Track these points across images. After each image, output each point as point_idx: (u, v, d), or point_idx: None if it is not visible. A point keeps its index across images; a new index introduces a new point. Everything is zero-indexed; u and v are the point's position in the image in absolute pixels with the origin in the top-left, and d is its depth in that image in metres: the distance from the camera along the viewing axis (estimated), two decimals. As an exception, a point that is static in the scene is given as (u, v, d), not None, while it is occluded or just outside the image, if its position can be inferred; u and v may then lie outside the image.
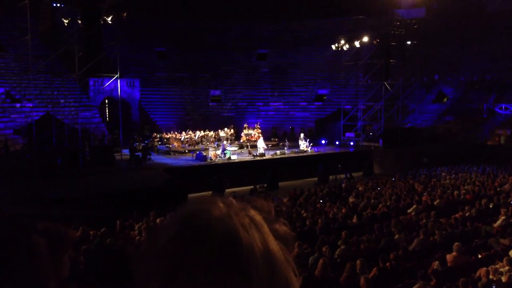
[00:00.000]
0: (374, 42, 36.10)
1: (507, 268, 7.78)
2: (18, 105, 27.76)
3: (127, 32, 37.95)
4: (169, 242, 0.74)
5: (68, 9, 35.71)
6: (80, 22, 32.61)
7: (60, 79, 30.81)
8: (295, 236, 0.85)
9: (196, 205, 0.78)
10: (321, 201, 16.96)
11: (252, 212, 0.79)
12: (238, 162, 24.84)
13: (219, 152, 25.15)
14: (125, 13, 32.30)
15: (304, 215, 14.19)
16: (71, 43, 29.09)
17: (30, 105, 27.49)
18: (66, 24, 35.08)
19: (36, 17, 32.72)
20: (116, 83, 28.11)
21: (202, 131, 30.94)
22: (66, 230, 1.29)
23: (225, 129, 31.32)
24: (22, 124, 25.96)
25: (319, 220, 12.70)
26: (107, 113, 35.32)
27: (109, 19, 31.40)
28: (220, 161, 24.41)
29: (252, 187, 21.93)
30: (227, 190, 20.99)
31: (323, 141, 31.43)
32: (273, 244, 0.76)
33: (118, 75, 27.37)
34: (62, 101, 29.39)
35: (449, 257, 8.89)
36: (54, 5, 36.26)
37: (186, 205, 0.79)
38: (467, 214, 12.74)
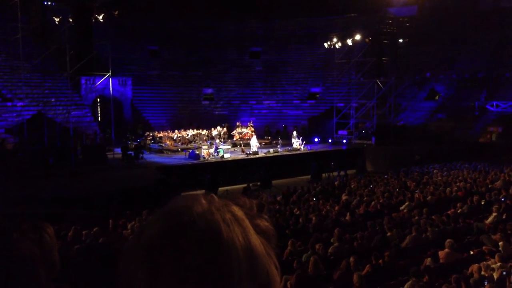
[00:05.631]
0: (367, 40, 36.22)
1: (498, 264, 7.83)
2: (9, 104, 27.56)
3: (119, 30, 37.79)
4: (152, 238, 0.76)
5: (59, 7, 35.53)
6: (71, 20, 32.43)
7: (51, 77, 30.62)
8: (276, 231, 0.87)
9: (179, 202, 0.80)
10: (314, 198, 16.99)
11: (234, 208, 0.81)
12: (231, 161, 24.83)
13: (212, 150, 25.11)
14: (117, 11, 32.22)
15: (297, 212, 14.21)
16: (63, 41, 28.87)
17: (22, 104, 27.30)
18: (57, 23, 34.89)
19: (27, 16, 32.46)
20: (108, 82, 28.00)
21: (195, 130, 30.90)
22: (46, 227, 1.29)
23: (218, 127, 31.29)
24: (13, 123, 25.79)
25: (313, 218, 12.72)
26: (99, 112, 35.14)
27: (101, 17, 31.31)
28: (213, 160, 24.39)
29: (245, 185, 21.93)
30: (220, 189, 20.98)
31: (316, 139, 31.47)
32: (254, 238, 0.78)
33: (110, 73, 27.28)
34: (53, 100, 29.20)
35: (441, 253, 8.93)
36: (45, 3, 36.00)
37: (169, 202, 0.81)
38: (459, 211, 12.80)
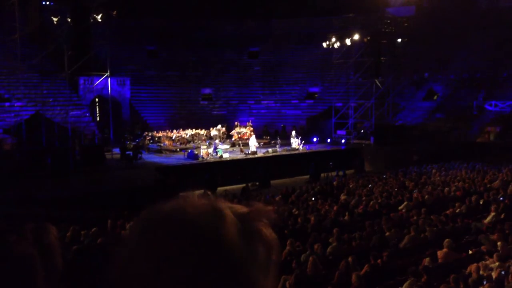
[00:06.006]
0: (365, 40, 36.21)
1: (497, 264, 7.84)
2: (7, 104, 27.51)
3: (117, 30, 37.71)
4: (146, 238, 0.78)
5: (57, 7, 35.48)
6: (69, 20, 32.40)
7: (49, 78, 30.58)
8: (277, 238, 0.86)
9: (173, 202, 0.82)
10: (313, 198, 17.00)
11: (223, 206, 0.81)
12: (230, 161, 24.81)
13: (210, 150, 25.09)
14: (115, 12, 32.13)
15: (296, 213, 14.21)
16: (61, 41, 28.83)
17: (20, 104, 27.25)
18: (55, 23, 34.85)
19: (25, 16, 32.40)
20: (106, 82, 27.99)
21: (193, 130, 30.88)
22: (50, 229, 1.29)
23: (217, 127, 31.29)
24: (11, 123, 25.73)
25: (311, 218, 12.72)
26: (97, 112, 35.08)
27: (99, 17, 31.24)
28: (212, 160, 24.37)
29: (244, 185, 21.93)
30: (219, 188, 20.98)
31: (314, 139, 31.48)
32: (235, 239, 0.77)
33: (108, 73, 27.27)
34: (51, 100, 29.15)
35: (440, 253, 8.94)
36: (43, 3, 35.96)
37: (165, 203, 0.83)
38: (457, 211, 12.82)
